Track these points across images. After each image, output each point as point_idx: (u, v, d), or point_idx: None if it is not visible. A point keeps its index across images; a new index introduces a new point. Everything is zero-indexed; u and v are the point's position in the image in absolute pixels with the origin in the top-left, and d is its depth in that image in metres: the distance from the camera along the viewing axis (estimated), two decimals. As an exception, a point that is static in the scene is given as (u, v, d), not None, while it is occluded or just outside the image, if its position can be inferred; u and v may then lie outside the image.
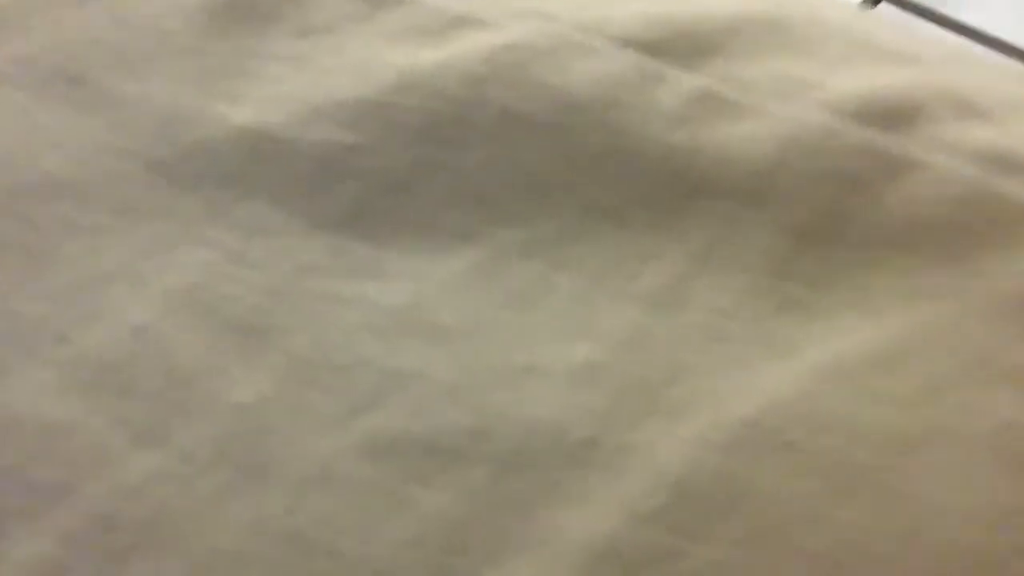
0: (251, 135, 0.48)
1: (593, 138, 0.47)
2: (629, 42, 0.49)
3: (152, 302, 0.43)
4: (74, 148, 0.48)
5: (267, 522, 0.37)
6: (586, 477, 0.38)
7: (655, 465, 0.38)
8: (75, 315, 0.42)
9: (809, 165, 0.45)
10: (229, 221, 0.46)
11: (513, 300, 0.43)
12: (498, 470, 0.38)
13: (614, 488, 0.37)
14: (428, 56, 0.50)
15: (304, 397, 0.40)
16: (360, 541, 0.37)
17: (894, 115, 0.47)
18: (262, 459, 0.39)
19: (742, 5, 0.53)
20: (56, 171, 0.47)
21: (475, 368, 0.41)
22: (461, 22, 0.51)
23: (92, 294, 0.43)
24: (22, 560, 0.36)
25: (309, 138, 0.47)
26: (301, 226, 0.45)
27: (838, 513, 0.37)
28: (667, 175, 0.46)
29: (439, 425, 0.40)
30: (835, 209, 0.44)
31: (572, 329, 0.42)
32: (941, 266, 0.43)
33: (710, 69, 0.49)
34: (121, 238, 0.45)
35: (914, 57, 0.52)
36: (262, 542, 0.37)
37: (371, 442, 0.39)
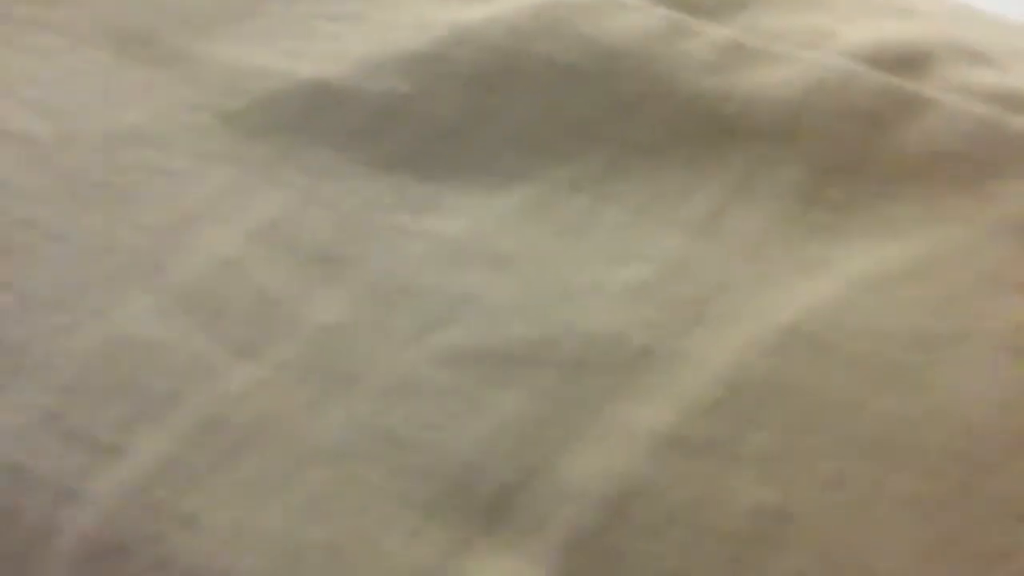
0: (314, 87, 0.52)
1: (631, 85, 0.51)
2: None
3: (236, 237, 0.47)
4: (152, 102, 0.52)
5: (359, 423, 0.41)
6: (646, 378, 0.42)
7: (707, 367, 0.42)
8: (168, 248, 0.46)
9: (831, 105, 0.50)
10: (299, 165, 0.50)
11: (565, 229, 0.47)
12: (565, 375, 0.43)
13: (672, 387, 0.42)
14: (478, 12, 0.54)
15: (380, 317, 0.45)
16: (445, 437, 0.41)
17: (907, 60, 0.51)
18: (348, 371, 0.43)
19: None
20: (139, 122, 0.51)
21: (535, 289, 0.45)
22: None
23: (181, 230, 0.47)
24: (148, 455, 0.40)
25: (368, 88, 0.52)
26: (364, 168, 0.50)
27: (874, 402, 0.41)
28: (701, 117, 0.50)
29: (508, 337, 0.44)
30: (858, 145, 0.49)
31: (622, 253, 0.46)
32: (956, 194, 0.47)
33: (736, 21, 0.53)
34: (202, 181, 0.49)
35: (921, 12, 0.56)
36: (357, 439, 0.41)
37: (447, 354, 0.43)
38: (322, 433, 0.41)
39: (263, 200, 0.48)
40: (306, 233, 0.47)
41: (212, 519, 0.39)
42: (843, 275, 0.45)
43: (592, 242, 0.47)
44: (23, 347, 0.42)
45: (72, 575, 0.38)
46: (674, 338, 0.43)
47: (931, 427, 0.40)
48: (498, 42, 0.53)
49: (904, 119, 0.50)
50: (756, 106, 0.50)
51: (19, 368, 0.42)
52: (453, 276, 0.46)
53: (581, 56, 0.52)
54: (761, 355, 0.42)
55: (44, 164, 0.49)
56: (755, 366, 0.42)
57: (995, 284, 0.44)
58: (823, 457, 0.39)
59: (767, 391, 0.41)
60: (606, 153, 0.50)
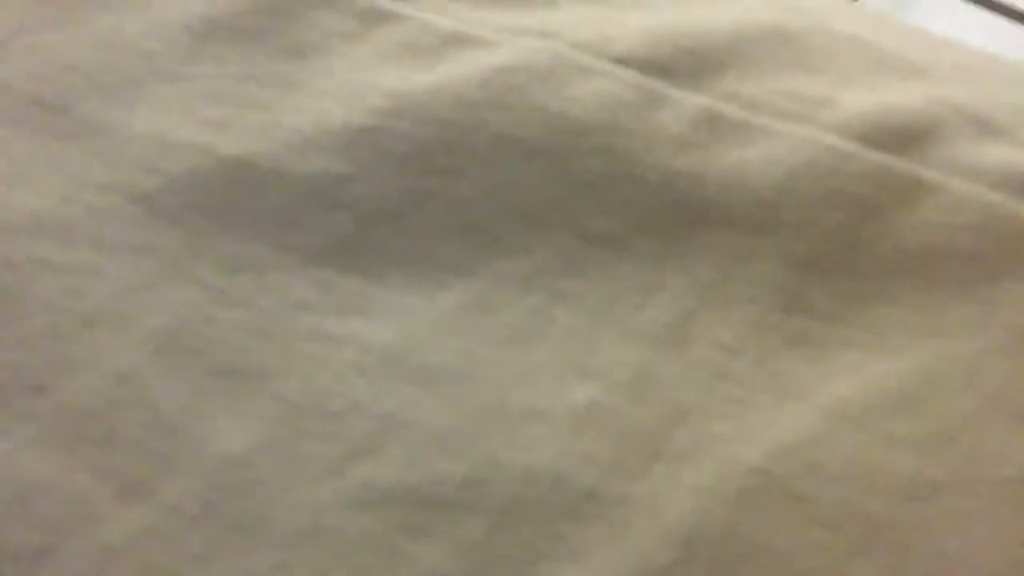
0: (238, 166, 0.46)
1: (593, 164, 0.45)
2: (630, 61, 0.48)
3: (135, 346, 0.41)
4: (54, 183, 0.46)
5: None
6: (589, 531, 0.36)
7: (661, 519, 0.36)
8: (54, 362, 0.41)
9: (819, 191, 0.44)
10: (214, 256, 0.44)
11: (509, 338, 0.42)
12: (496, 522, 0.37)
13: (619, 543, 0.36)
14: (421, 79, 0.48)
15: (295, 446, 0.39)
16: None
17: (908, 136, 0.45)
18: (252, 512, 0.37)
19: (745, 17, 0.51)
20: (34, 208, 0.45)
21: (469, 412, 0.39)
22: (456, 40, 0.49)
23: (72, 339, 0.41)
24: None
25: (298, 168, 0.46)
26: (289, 260, 0.44)
27: (852, 568, 0.35)
28: (671, 202, 0.44)
29: (433, 475, 0.38)
30: (847, 237, 0.43)
31: (572, 368, 0.40)
32: (958, 299, 0.41)
33: (715, 88, 0.47)
34: (102, 278, 0.43)
35: (925, 69, 0.50)
36: None
37: (364, 493, 0.38)
38: None
39: (169, 300, 0.42)
40: (215, 341, 0.41)
41: None
42: (822, 401, 0.39)
43: (538, 354, 0.41)
44: None
45: None
46: (624, 479, 0.37)
47: None
48: (442, 114, 0.47)
49: (901, 207, 0.43)
50: (732, 191, 0.44)
51: None
52: (379, 394, 0.40)
53: (536, 131, 0.46)
54: (723, 503, 0.36)
55: None
56: (715, 518, 0.36)
57: (998, 414, 0.38)
58: None
59: (728, 551, 0.35)
60: (561, 244, 0.44)
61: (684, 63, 0.48)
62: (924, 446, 0.37)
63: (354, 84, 0.48)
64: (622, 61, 0.48)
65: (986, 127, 0.46)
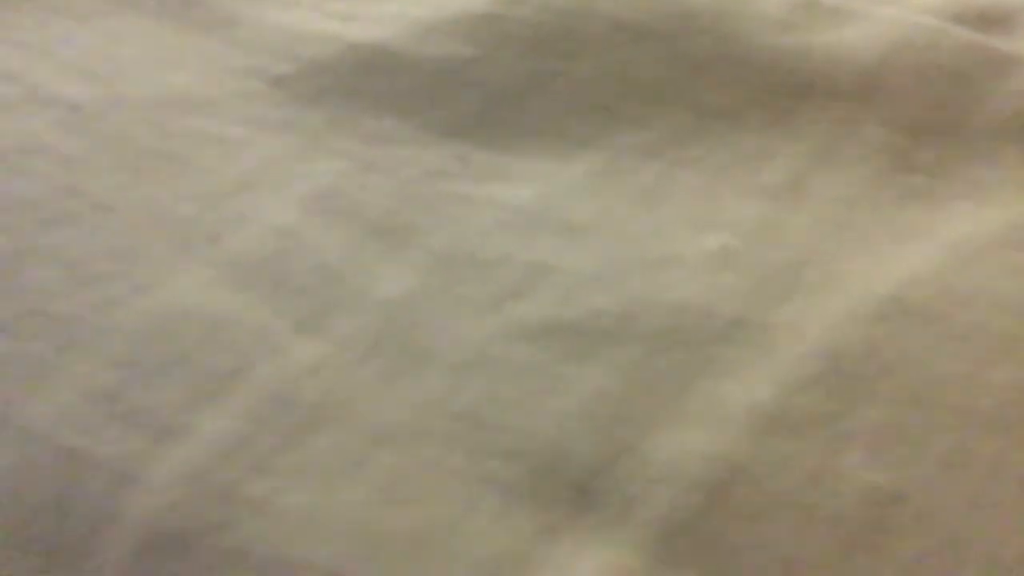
0: (368, 51, 0.49)
1: (703, 44, 0.48)
2: None
3: (292, 206, 0.44)
4: (199, 66, 0.49)
5: (433, 401, 0.39)
6: (739, 352, 0.39)
7: (805, 339, 0.39)
8: (223, 217, 0.43)
9: (917, 63, 0.47)
10: (355, 132, 0.47)
11: (638, 197, 0.45)
12: (651, 348, 0.40)
13: (768, 361, 0.39)
14: None
15: (450, 289, 0.42)
16: (526, 415, 0.38)
17: (991, 18, 0.49)
18: (419, 346, 0.40)
19: None
20: (186, 87, 0.48)
21: (613, 259, 0.42)
22: None
23: (235, 198, 0.44)
24: (212, 435, 0.37)
25: (425, 52, 0.49)
26: (425, 135, 0.47)
27: (989, 374, 0.38)
28: (778, 77, 0.47)
29: (587, 310, 0.41)
30: (945, 105, 0.46)
31: (701, 221, 0.44)
32: None
33: None
34: (254, 149, 0.46)
35: None
36: (431, 418, 0.38)
37: (523, 327, 0.41)
38: (394, 412, 0.38)
39: (318, 168, 0.45)
40: (365, 202, 0.44)
41: (284, 504, 0.36)
42: (942, 241, 0.42)
43: (669, 209, 0.44)
44: (73, 322, 0.40)
45: (133, 566, 0.36)
46: (766, 308, 0.40)
47: None
48: (559, 1, 0.50)
49: (993, 78, 0.47)
50: (836, 65, 0.47)
51: (69, 344, 0.39)
52: (524, 246, 0.43)
53: (648, 15, 0.49)
54: (863, 326, 0.39)
55: (88, 130, 0.46)
56: (857, 337, 0.39)
57: None
58: (938, 433, 0.36)
59: (872, 364, 0.38)
60: (678, 117, 0.47)
61: None
62: None
63: None
64: None
65: None
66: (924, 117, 0.46)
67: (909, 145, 0.45)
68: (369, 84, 0.48)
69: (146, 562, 0.35)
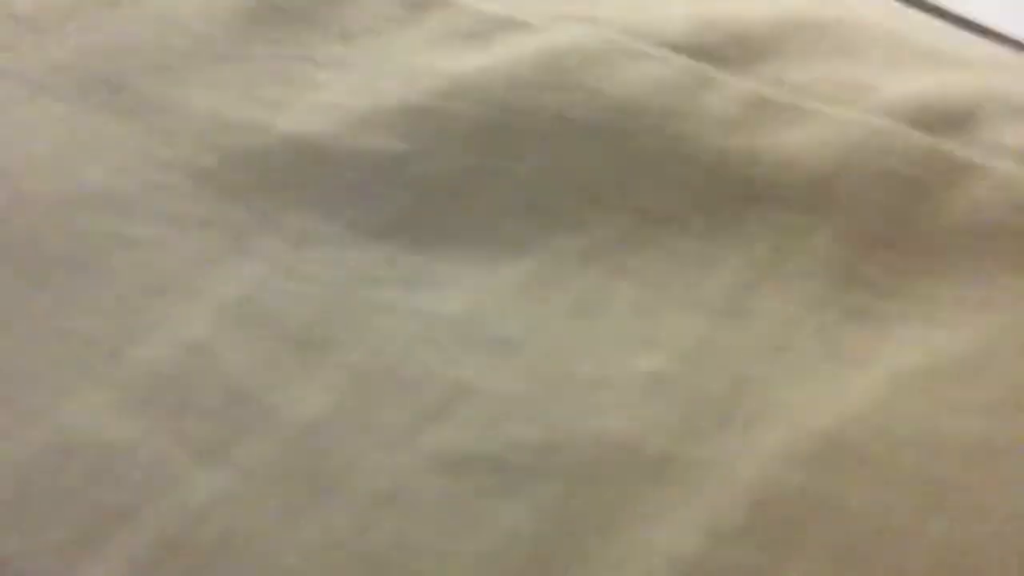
0: (298, 143, 0.47)
1: (648, 144, 0.46)
2: (678, 47, 0.49)
3: (205, 315, 0.42)
4: (117, 158, 0.47)
5: (339, 542, 0.36)
6: (664, 492, 0.37)
7: (734, 481, 0.37)
8: (128, 330, 0.41)
9: (870, 170, 0.45)
10: (279, 231, 0.45)
11: (573, 310, 0.42)
12: (573, 485, 0.38)
13: (694, 504, 0.37)
14: (474, 61, 0.49)
15: (368, 412, 0.40)
16: (437, 560, 0.36)
17: (951, 119, 0.46)
18: (329, 476, 0.38)
19: (784, 6, 0.52)
20: (101, 182, 0.46)
21: (539, 380, 0.40)
22: (505, 25, 0.50)
23: (144, 308, 0.42)
24: None
25: (358, 146, 0.47)
26: (352, 236, 0.45)
27: (926, 528, 0.36)
28: (725, 181, 0.45)
29: (508, 439, 0.39)
30: (899, 216, 0.44)
31: (636, 339, 0.41)
32: (1010, 273, 0.42)
33: (761, 73, 0.48)
34: (170, 250, 0.44)
35: (958, 59, 0.51)
36: (335, 563, 0.36)
37: (440, 457, 0.39)
38: (294, 555, 0.36)
39: (237, 273, 0.43)
40: (284, 312, 0.42)
41: None
42: (886, 371, 0.40)
43: (604, 325, 0.42)
44: None
45: None
46: (695, 443, 0.38)
47: (989, 558, 0.35)
48: (499, 95, 0.48)
49: (949, 187, 0.45)
50: (785, 170, 0.45)
51: None
52: (448, 363, 0.41)
53: (591, 111, 0.47)
54: (794, 466, 0.37)
55: None
56: (788, 480, 0.37)
57: None
58: None
59: (803, 511, 0.36)
60: (620, 221, 0.45)
61: (730, 50, 0.49)
62: (987, 411, 0.38)
63: (408, 66, 0.49)
64: (671, 46, 0.49)
65: (1020, 112, 0.48)
66: (875, 228, 0.43)
67: (858, 258, 0.43)
68: (297, 179, 0.46)
69: None
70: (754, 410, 0.39)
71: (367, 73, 0.50)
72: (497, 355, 0.41)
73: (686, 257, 0.44)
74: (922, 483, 0.37)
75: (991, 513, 0.36)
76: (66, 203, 0.45)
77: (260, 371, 0.40)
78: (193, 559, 0.36)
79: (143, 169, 0.46)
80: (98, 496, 0.37)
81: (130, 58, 0.50)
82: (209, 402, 0.39)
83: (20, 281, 0.42)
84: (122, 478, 0.37)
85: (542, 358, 0.41)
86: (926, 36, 0.53)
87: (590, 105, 0.47)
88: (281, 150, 0.47)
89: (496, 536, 0.37)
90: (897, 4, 0.58)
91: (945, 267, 0.43)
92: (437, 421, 0.39)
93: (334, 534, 0.37)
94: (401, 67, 0.50)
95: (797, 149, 0.46)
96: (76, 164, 0.46)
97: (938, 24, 0.58)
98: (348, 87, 0.49)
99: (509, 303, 0.43)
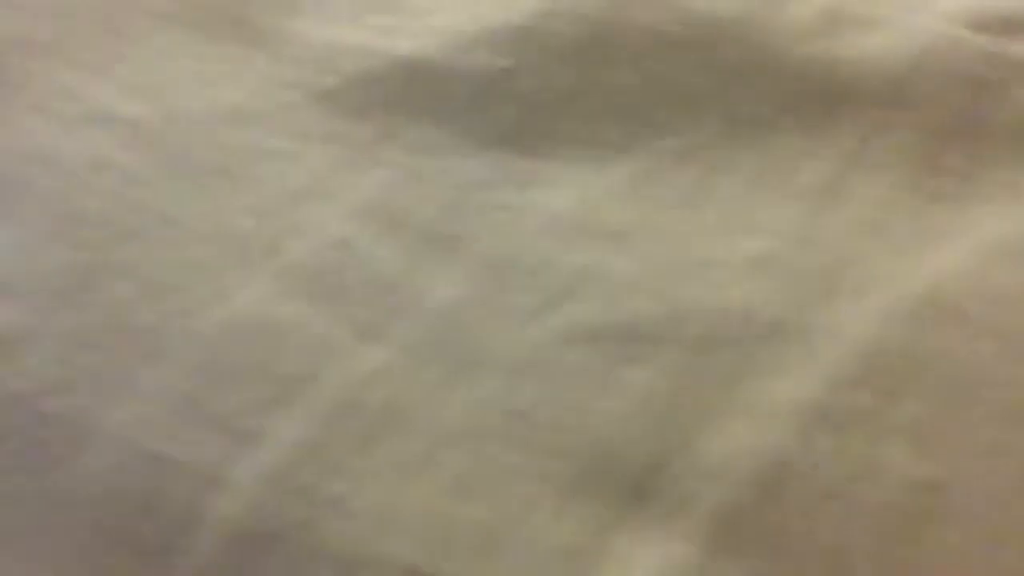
0: (411, 64, 0.51)
1: (735, 52, 0.50)
2: None
3: (345, 217, 0.46)
4: (248, 81, 0.51)
5: (490, 403, 0.41)
6: (781, 353, 0.41)
7: (845, 338, 0.41)
8: (279, 229, 0.45)
9: (941, 71, 0.49)
10: (400, 143, 0.49)
11: (677, 202, 0.47)
12: (696, 350, 0.42)
13: (810, 360, 0.41)
14: None
15: (500, 296, 0.44)
16: (579, 416, 0.40)
17: (1011, 25, 0.51)
18: (472, 351, 0.42)
19: None
20: (236, 102, 0.50)
21: (654, 263, 0.44)
22: None
23: (290, 210, 0.46)
24: (289, 439, 0.39)
25: (466, 64, 0.51)
26: (467, 145, 0.49)
27: (1018, 372, 0.40)
28: (809, 84, 0.49)
29: (632, 314, 0.43)
30: (971, 110, 0.48)
31: (740, 225, 0.45)
32: None
33: None
34: (304, 161, 0.48)
35: None
36: (489, 420, 0.40)
37: (571, 331, 0.43)
38: (454, 415, 0.40)
39: (367, 179, 0.47)
40: (413, 212, 0.46)
41: (359, 503, 0.38)
42: (974, 242, 0.44)
43: (707, 214, 0.46)
44: (151, 333, 0.42)
45: (218, 564, 0.38)
46: (805, 310, 0.42)
47: None
48: (594, 12, 0.52)
49: (1013, 84, 0.49)
50: (864, 72, 0.49)
51: (150, 354, 0.41)
52: (568, 251, 0.45)
53: (681, 25, 0.51)
54: (899, 324, 0.41)
55: (150, 146, 0.48)
56: (894, 335, 0.41)
57: None
58: (978, 428, 0.38)
59: (912, 361, 0.40)
60: (713, 124, 0.49)
61: None
62: None
63: None
64: None
65: None
66: (950, 122, 0.48)
67: (937, 149, 0.47)
68: (412, 96, 0.50)
69: (231, 561, 0.37)
70: (857, 281, 0.43)
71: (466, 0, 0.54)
72: (611, 243, 0.45)
73: (778, 152, 0.48)
74: (1013, 336, 0.41)
75: None
76: (209, 119, 0.49)
77: (400, 263, 0.44)
78: (367, 419, 0.40)
79: (273, 91, 0.50)
80: (281, 365, 0.41)
81: None
82: (360, 289, 0.44)
83: (183, 186, 0.46)
84: (297, 351, 0.42)
85: (654, 244, 0.45)
86: None
87: (679, 19, 0.51)
88: (397, 71, 0.51)
89: (631, 396, 0.41)
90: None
91: (1015, 154, 0.47)
92: (564, 301, 0.43)
93: (484, 398, 0.41)
94: None
95: (873, 53, 0.50)
96: (213, 86, 0.50)
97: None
98: (452, 11, 0.53)
99: (617, 198, 0.47)
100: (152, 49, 0.52)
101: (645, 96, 0.50)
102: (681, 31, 0.50)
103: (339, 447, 0.39)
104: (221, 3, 0.53)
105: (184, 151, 0.47)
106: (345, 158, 0.48)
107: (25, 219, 0.45)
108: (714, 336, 0.42)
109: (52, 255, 0.44)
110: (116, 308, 0.42)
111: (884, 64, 0.49)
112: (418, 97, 0.50)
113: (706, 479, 0.38)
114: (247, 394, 0.40)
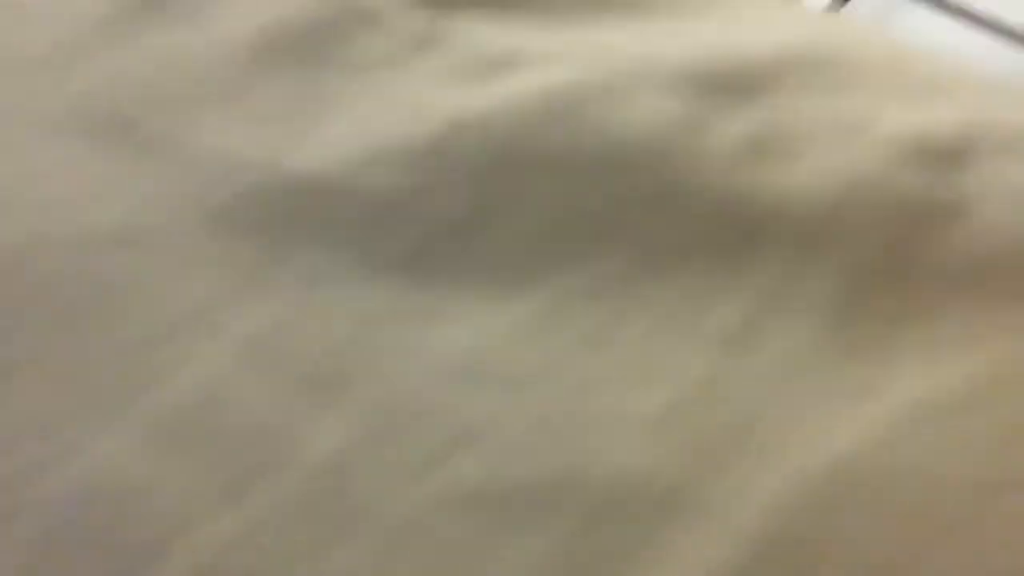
0: (305, 181, 0.48)
1: (650, 181, 0.47)
2: (677, 83, 0.50)
3: (224, 354, 0.43)
4: (132, 197, 0.47)
5: (363, 574, 0.37)
6: (676, 530, 0.38)
7: (745, 516, 0.38)
8: (151, 369, 0.42)
9: (871, 206, 0.46)
10: (291, 269, 0.46)
11: (582, 344, 0.43)
12: (586, 522, 0.39)
13: (704, 542, 0.38)
14: (478, 98, 0.50)
15: (384, 447, 0.41)
16: None
17: (950, 155, 0.47)
18: (349, 512, 0.39)
19: (782, 41, 0.53)
20: (116, 221, 0.46)
21: (552, 415, 0.41)
22: (506, 61, 0.51)
23: (164, 347, 0.43)
24: None
25: (364, 184, 0.47)
26: (361, 273, 0.46)
27: (930, 560, 0.37)
28: (727, 217, 0.46)
29: (523, 475, 0.40)
30: (899, 251, 0.45)
31: (647, 373, 0.42)
32: (1011, 306, 0.43)
33: (762, 109, 0.49)
34: (186, 288, 0.45)
35: (955, 90, 0.52)
36: None
37: (456, 493, 0.39)
38: None
39: (252, 311, 0.44)
40: (299, 350, 0.43)
41: None
42: (890, 404, 0.41)
43: (614, 358, 0.43)
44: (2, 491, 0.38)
45: None
46: (707, 478, 0.39)
47: None
48: (505, 132, 0.49)
49: (949, 223, 0.46)
50: (786, 207, 0.46)
51: None
52: (460, 400, 0.42)
53: (596, 147, 0.48)
54: (806, 502, 0.38)
55: (14, 274, 0.44)
56: (800, 516, 0.38)
57: None
58: None
59: (814, 548, 0.37)
60: (625, 256, 0.46)
61: (730, 86, 0.50)
62: (997, 443, 0.39)
63: (412, 103, 0.50)
64: (670, 83, 0.50)
65: (1018, 146, 0.49)
66: (876, 263, 0.45)
67: (860, 293, 0.44)
68: (306, 217, 0.47)
69: None
70: (763, 444, 0.40)
71: (372, 111, 0.50)
72: (508, 392, 0.42)
73: (692, 289, 0.45)
74: (926, 518, 0.38)
75: (995, 547, 0.37)
76: (84, 244, 0.45)
77: (279, 408, 0.41)
78: None
79: (156, 209, 0.47)
80: (128, 534, 0.38)
81: (140, 97, 0.51)
82: (232, 440, 0.40)
83: (42, 323, 0.43)
84: (150, 516, 0.38)
85: (552, 395, 0.42)
86: (923, 66, 0.54)
87: (592, 143, 0.48)
88: (289, 188, 0.48)
89: (513, 571, 0.37)
90: (892, 34, 0.59)
91: (946, 301, 0.44)
92: (448, 459, 0.40)
93: (357, 568, 0.37)
94: (405, 104, 0.51)
95: (798, 185, 0.47)
96: (91, 204, 0.47)
97: (934, 53, 0.59)
98: (353, 125, 0.50)
99: (518, 339, 0.44)
100: (26, 163, 0.48)
101: (554, 224, 0.46)
102: (593, 155, 0.47)
103: (186, 634, 0.35)
104: (111, 107, 0.50)
105: (48, 283, 0.44)
106: (229, 287, 0.45)
107: None
108: (606, 506, 0.39)
109: None
110: None
111: (809, 196, 0.46)
112: (311, 218, 0.47)
113: None
114: (85, 574, 0.36)
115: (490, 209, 0.48)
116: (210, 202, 0.47)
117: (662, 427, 0.41)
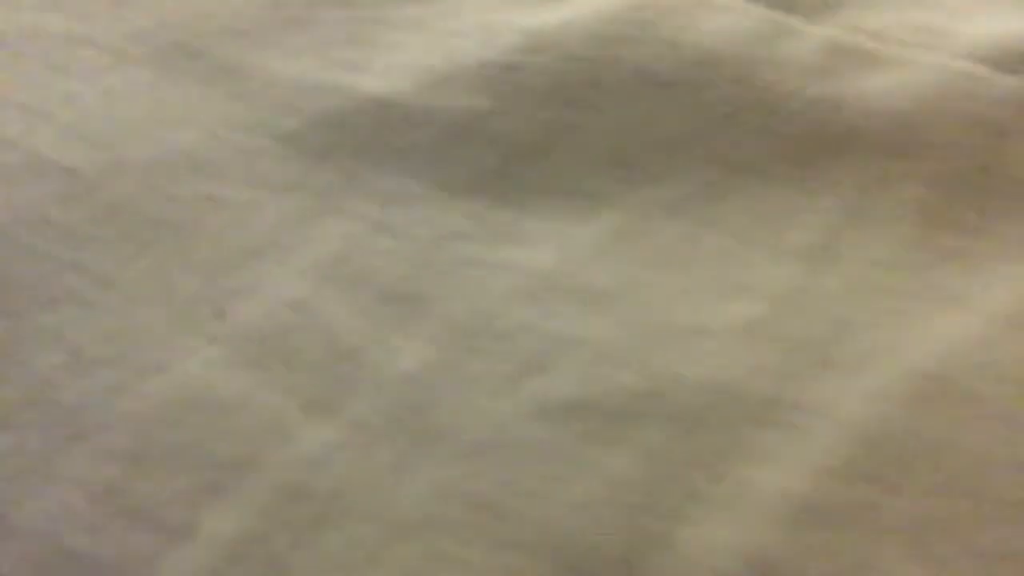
0: (379, 104, 0.47)
1: (730, 94, 0.46)
2: None
3: (302, 275, 0.42)
4: (203, 123, 0.47)
5: (448, 488, 0.37)
6: (770, 435, 0.38)
7: (839, 420, 0.37)
8: (229, 290, 0.42)
9: (955, 114, 0.45)
10: (365, 192, 0.45)
11: (662, 260, 0.43)
12: (678, 430, 0.38)
13: (800, 444, 0.37)
14: (551, 17, 0.49)
15: (468, 363, 0.40)
16: (546, 504, 0.36)
17: None
18: (434, 426, 0.39)
19: None
20: (189, 146, 0.46)
21: (636, 329, 0.41)
22: None
23: (242, 268, 0.43)
24: (223, 533, 0.35)
25: (440, 104, 0.47)
26: (438, 194, 0.45)
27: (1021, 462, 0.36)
28: (809, 129, 0.45)
29: (610, 387, 0.39)
30: (986, 157, 0.44)
31: (728, 287, 0.42)
32: None
33: (839, 21, 0.48)
34: (261, 212, 0.44)
35: None
36: (445, 507, 0.36)
37: (542, 405, 0.39)
38: (408, 502, 0.36)
39: (328, 232, 0.43)
40: (378, 269, 0.42)
41: None
42: (982, 310, 0.40)
43: (692, 274, 0.42)
44: (77, 411, 0.38)
45: None
46: (798, 386, 0.38)
47: None
48: (578, 50, 0.48)
49: None
50: (869, 116, 0.45)
51: (74, 435, 0.38)
52: (543, 315, 0.41)
53: (671, 64, 0.47)
54: (899, 404, 0.37)
55: (89, 199, 0.44)
56: (893, 418, 0.37)
57: None
58: (983, 526, 0.35)
59: (908, 448, 0.36)
60: (703, 172, 0.45)
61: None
62: None
63: (485, 23, 0.50)
64: None
65: None
66: (963, 170, 0.44)
67: (947, 201, 0.43)
68: (380, 139, 0.46)
69: None
70: (854, 352, 0.39)
71: (443, 32, 0.50)
72: (592, 306, 0.41)
73: (773, 205, 0.44)
74: (1020, 420, 0.37)
75: None
76: (160, 167, 0.45)
77: (360, 327, 0.41)
78: (312, 507, 0.36)
79: (229, 134, 0.47)
80: (218, 447, 0.38)
81: (206, 27, 0.51)
82: (313, 358, 0.40)
83: (123, 243, 0.43)
84: (238, 430, 0.38)
85: (637, 307, 0.41)
86: None
87: (669, 58, 0.48)
88: (363, 111, 0.47)
89: (604, 481, 0.37)
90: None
91: None
92: (537, 371, 0.40)
93: (442, 482, 0.37)
94: (476, 25, 0.50)
95: (880, 95, 0.46)
96: (164, 129, 0.46)
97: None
98: (425, 47, 0.50)
99: (598, 256, 0.43)
100: (100, 90, 0.48)
101: (631, 141, 0.46)
102: (671, 70, 0.47)
103: (279, 541, 0.35)
104: (178, 36, 0.50)
105: (128, 205, 0.44)
106: (305, 209, 0.44)
107: None
108: (697, 414, 0.38)
109: None
110: (39, 383, 0.39)
111: (891, 107, 0.45)
112: (385, 140, 0.46)
113: None
114: (179, 482, 0.36)
115: (566, 127, 0.47)
116: (283, 127, 0.47)
117: (748, 339, 0.40)
